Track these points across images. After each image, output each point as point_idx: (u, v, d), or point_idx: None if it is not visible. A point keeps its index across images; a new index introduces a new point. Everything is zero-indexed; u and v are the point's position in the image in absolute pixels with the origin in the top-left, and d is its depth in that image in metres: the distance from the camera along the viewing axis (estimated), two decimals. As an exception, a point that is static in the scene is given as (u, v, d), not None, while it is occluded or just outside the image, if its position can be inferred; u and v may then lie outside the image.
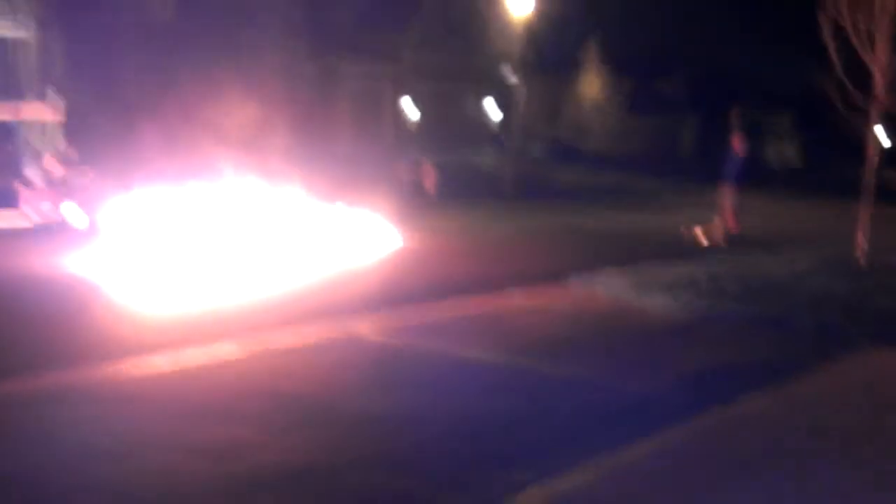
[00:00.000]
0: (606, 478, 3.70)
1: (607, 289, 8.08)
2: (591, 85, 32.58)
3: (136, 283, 7.61)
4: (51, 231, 11.47)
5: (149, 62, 11.11)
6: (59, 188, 12.14)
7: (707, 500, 3.51)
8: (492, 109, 34.61)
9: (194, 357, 5.44)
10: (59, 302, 7.07)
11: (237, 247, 9.05)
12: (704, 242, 12.94)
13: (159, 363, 5.29)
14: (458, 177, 23.22)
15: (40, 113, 13.99)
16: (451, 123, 32.33)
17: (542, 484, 3.58)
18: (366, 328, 6.45)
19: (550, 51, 34.57)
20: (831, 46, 9.74)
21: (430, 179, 20.75)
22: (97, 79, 11.44)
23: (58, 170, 12.60)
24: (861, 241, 10.17)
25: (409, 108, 30.62)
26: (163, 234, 8.91)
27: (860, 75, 9.78)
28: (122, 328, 6.24)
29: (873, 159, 10.31)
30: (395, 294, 7.92)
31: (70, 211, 11.77)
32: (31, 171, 12.71)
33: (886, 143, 15.33)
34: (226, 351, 5.63)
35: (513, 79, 28.74)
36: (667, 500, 3.47)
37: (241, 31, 15.54)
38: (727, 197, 13.22)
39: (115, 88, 11.33)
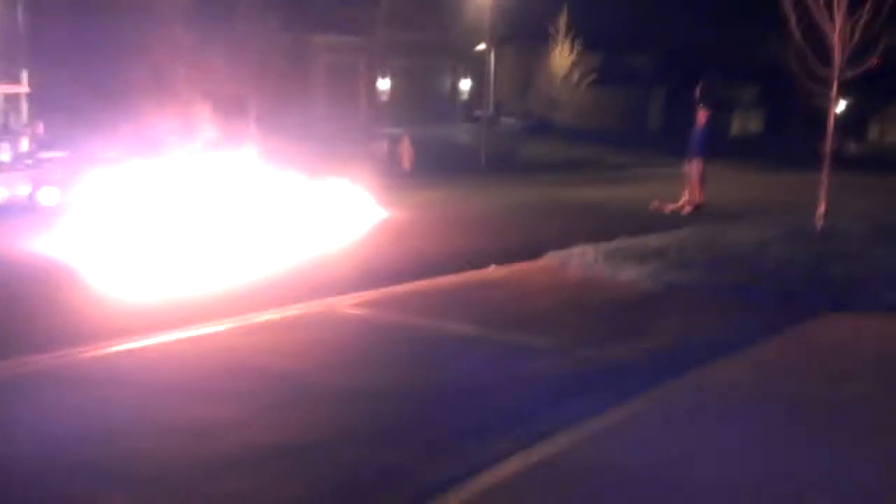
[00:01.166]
0: (582, 445, 3.90)
1: (580, 262, 8.29)
2: (562, 59, 32.70)
3: (111, 264, 7.60)
4: (22, 210, 11.35)
5: (118, 37, 11.02)
6: (29, 166, 12.03)
7: (678, 465, 3.72)
8: (464, 84, 34.65)
9: (174, 337, 5.48)
10: (34, 284, 7.07)
11: (214, 225, 9.06)
12: (670, 211, 13.34)
13: (139, 345, 5.31)
14: (433, 151, 23.35)
15: (7, 90, 13.83)
16: (425, 98, 32.35)
17: (520, 452, 3.76)
18: (346, 303, 6.59)
19: (521, 24, 34.60)
20: (792, 18, 10.02)
21: (406, 154, 20.88)
22: (66, 55, 11.33)
23: (28, 147, 12.49)
24: (821, 209, 10.56)
25: (383, 83, 30.56)
26: (138, 213, 8.90)
27: (820, 46, 10.09)
28: (98, 310, 6.27)
29: (832, 129, 10.69)
30: (373, 269, 8.10)
31: (41, 189, 11.70)
32: None
33: (840, 107, 15.76)
34: (206, 330, 5.69)
35: (483, 50, 28.79)
36: (641, 465, 3.67)
37: (213, 3, 15.41)
38: (694, 169, 13.61)
39: (84, 64, 11.23)
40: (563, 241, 9.09)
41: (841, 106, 15.92)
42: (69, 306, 6.44)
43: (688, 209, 13.44)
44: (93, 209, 9.15)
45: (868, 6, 9.54)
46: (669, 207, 13.66)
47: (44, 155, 12.23)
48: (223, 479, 3.52)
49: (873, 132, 63.75)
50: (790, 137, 44.14)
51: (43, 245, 8.48)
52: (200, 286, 7.14)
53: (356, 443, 3.92)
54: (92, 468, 3.59)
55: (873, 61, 10.00)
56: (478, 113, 30.42)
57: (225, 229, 9.05)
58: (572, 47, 32.26)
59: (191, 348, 5.34)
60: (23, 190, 11.69)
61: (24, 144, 12.55)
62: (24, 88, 13.59)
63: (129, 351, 5.25)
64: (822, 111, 10.71)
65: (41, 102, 13.14)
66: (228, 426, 4.06)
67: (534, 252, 8.84)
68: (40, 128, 12.87)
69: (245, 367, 4.97)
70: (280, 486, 3.47)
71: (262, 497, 3.40)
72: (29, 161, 12.13)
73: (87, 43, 10.99)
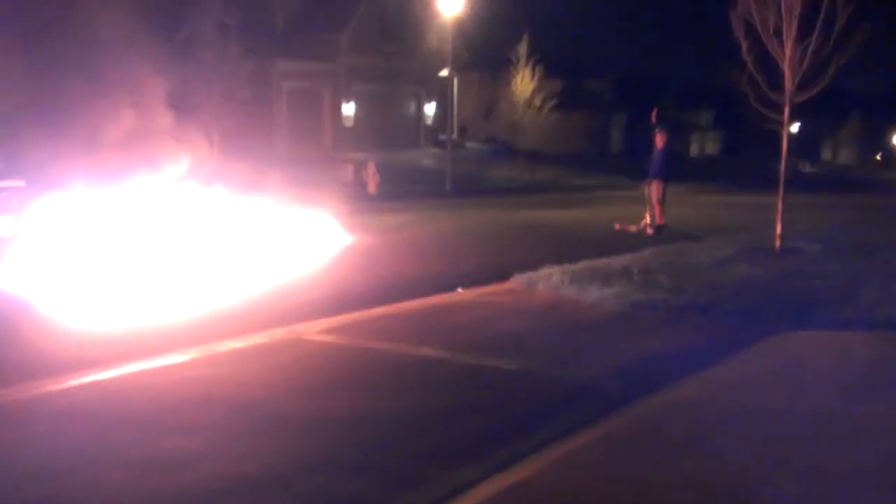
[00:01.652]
0: (551, 469, 3.90)
1: (546, 284, 8.38)
2: (524, 84, 33.19)
3: (70, 295, 7.41)
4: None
5: (75, 65, 10.87)
6: None
7: (642, 484, 3.74)
8: (429, 109, 34.93)
9: (137, 369, 5.38)
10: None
11: (176, 253, 8.93)
12: (635, 232, 13.55)
13: (101, 377, 5.19)
14: (399, 176, 23.43)
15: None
16: (389, 123, 32.53)
17: (487, 480, 3.74)
18: (312, 329, 6.54)
19: (483, 50, 35.09)
20: (743, 45, 10.36)
21: (371, 179, 20.93)
22: (19, 83, 11.12)
23: None
24: (778, 228, 10.84)
25: (348, 109, 30.65)
26: (97, 243, 8.75)
27: (772, 71, 10.43)
28: (58, 342, 6.10)
29: (786, 151, 11.01)
30: (339, 294, 8.06)
31: None
32: None
33: (794, 128, 16.24)
34: (169, 361, 5.59)
35: (447, 76, 29.10)
36: (611, 489, 3.70)
37: (173, 31, 15.31)
38: (654, 190, 13.89)
39: (40, 93, 11.04)
40: (529, 264, 9.17)
41: (794, 128, 16.40)
42: (27, 339, 6.27)
43: (650, 230, 13.68)
44: (50, 239, 8.96)
45: (816, 33, 9.91)
46: (633, 228, 13.89)
47: None
48: (188, 512, 3.46)
49: (826, 153, 65.71)
50: (746, 159, 45.34)
51: (-1, 276, 8.28)
52: (162, 316, 7.01)
53: (323, 472, 3.88)
54: (52, 503, 3.49)
55: (820, 86, 10.37)
56: (442, 137, 30.65)
57: (187, 258, 8.92)
58: (533, 73, 32.77)
59: (154, 380, 5.25)
60: None
61: None
62: None
63: (91, 384, 5.13)
64: (777, 134, 11.04)
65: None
66: (194, 458, 3.98)
67: (500, 275, 8.89)
68: (-5, 157, 12.60)
69: (210, 397, 4.90)
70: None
71: (228, 529, 3.34)
72: None
73: (42, 71, 10.81)
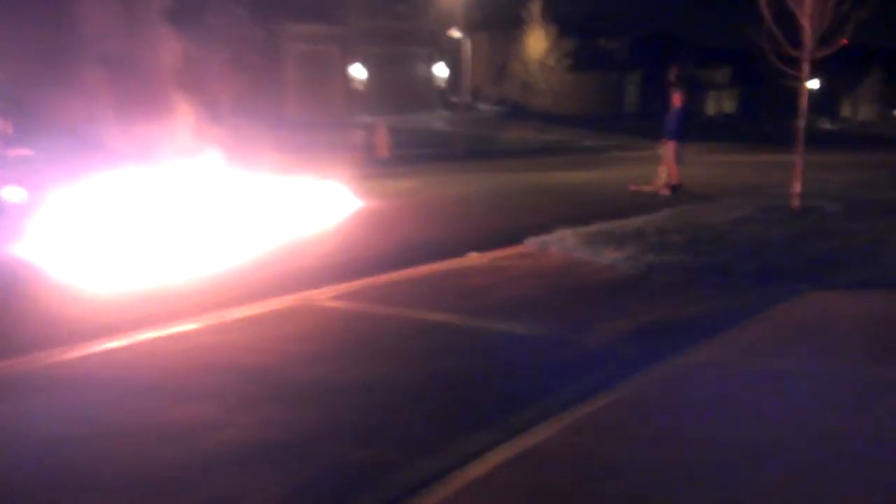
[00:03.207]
0: (570, 432, 3.87)
1: (560, 246, 8.30)
2: (536, 44, 32.69)
3: (82, 264, 7.43)
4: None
5: (87, 33, 10.78)
6: None
7: (663, 448, 3.70)
8: (440, 71, 34.51)
9: (150, 336, 5.37)
10: (2, 286, 6.89)
11: (188, 222, 8.92)
12: (649, 193, 13.39)
13: (114, 345, 5.19)
14: (410, 138, 23.25)
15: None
16: (400, 86, 32.19)
17: (505, 443, 3.71)
18: (324, 295, 6.50)
19: (495, 10, 34.50)
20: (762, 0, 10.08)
21: (382, 142, 20.76)
22: (33, 52, 11.07)
23: None
24: (797, 188, 10.66)
25: (358, 71, 30.33)
26: (109, 212, 8.74)
27: (790, 27, 10.16)
28: (71, 312, 6.11)
29: (805, 109, 10.77)
30: (351, 259, 8.02)
31: (7, 188, 11.45)
32: None
33: (813, 85, 15.92)
34: (181, 328, 5.57)
35: (459, 37, 28.68)
36: (628, 453, 3.66)
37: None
38: (669, 150, 13.67)
39: (52, 61, 11.00)
40: (542, 226, 9.07)
41: (813, 85, 16.01)
42: (39, 307, 6.30)
43: (665, 191, 13.50)
44: (62, 208, 8.96)
45: (837, -13, 9.62)
46: (648, 189, 13.72)
47: (11, 153, 11.97)
48: (204, 479, 3.44)
49: (846, 110, 64.60)
50: (764, 117, 44.65)
51: (10, 245, 8.30)
52: (173, 283, 7.01)
53: (338, 438, 3.86)
54: (68, 472, 3.50)
55: (842, 42, 10.09)
56: (454, 99, 30.32)
57: (198, 225, 8.91)
58: (546, 33, 32.24)
59: (167, 347, 5.24)
60: None
61: None
62: None
63: (104, 351, 5.13)
64: (795, 91, 10.79)
65: (8, 101, 12.86)
66: (207, 426, 3.97)
67: (513, 238, 8.80)
68: (9, 127, 12.59)
69: (223, 364, 4.88)
70: (262, 485, 3.41)
71: (245, 496, 3.33)
72: None
73: (56, 39, 10.73)
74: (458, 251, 8.31)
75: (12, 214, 10.02)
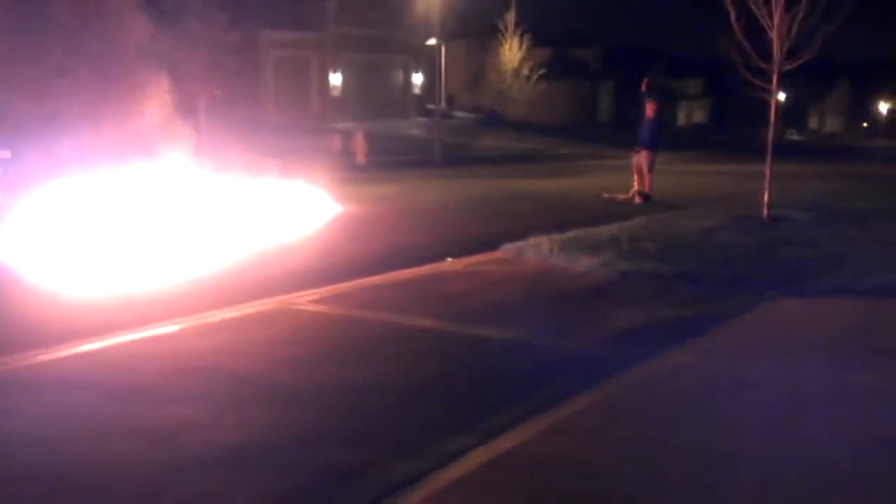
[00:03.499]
0: (547, 435, 3.95)
1: (536, 253, 8.40)
2: (511, 54, 32.96)
3: (60, 266, 7.38)
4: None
5: (62, 35, 10.69)
6: None
7: (637, 452, 3.80)
8: (417, 78, 34.64)
9: (129, 339, 5.37)
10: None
11: (166, 225, 8.89)
12: (622, 201, 13.59)
13: (93, 347, 5.18)
14: (387, 145, 23.30)
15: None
16: (377, 92, 32.27)
17: (485, 446, 3.79)
18: (304, 299, 6.53)
19: (471, 20, 34.77)
20: (732, 13, 10.32)
21: (359, 149, 20.80)
22: (6, 54, 10.94)
23: None
24: (766, 197, 10.90)
25: (336, 78, 30.34)
26: (86, 214, 8.69)
27: (760, 40, 10.41)
28: (48, 314, 6.08)
29: (774, 120, 11.04)
30: (331, 264, 8.06)
31: None
32: None
33: (783, 97, 16.31)
34: (161, 331, 5.58)
35: (434, 44, 28.85)
36: (604, 455, 3.75)
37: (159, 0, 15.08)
38: (642, 160, 13.91)
39: (26, 63, 10.87)
40: (518, 233, 9.18)
41: (782, 96, 16.37)
42: (17, 309, 6.26)
43: (638, 199, 13.72)
44: (38, 210, 8.88)
45: (803, 2, 9.88)
46: (621, 197, 13.93)
47: None
48: (185, 481, 3.46)
49: (813, 121, 65.80)
50: (734, 128, 45.39)
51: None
52: (153, 286, 7.00)
53: (320, 441, 3.91)
54: (45, 475, 3.50)
55: (809, 55, 10.37)
56: (430, 106, 30.44)
57: (178, 229, 8.88)
58: (521, 42, 32.54)
59: (146, 349, 5.24)
60: None
61: None
62: None
63: (84, 353, 5.12)
64: (765, 102, 11.05)
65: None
66: (188, 428, 3.99)
67: (489, 244, 8.91)
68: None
69: (203, 367, 4.90)
70: (243, 487, 3.45)
71: (229, 497, 3.37)
72: None
73: (28, 43, 10.62)
74: (437, 257, 8.40)
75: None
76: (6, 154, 11.73)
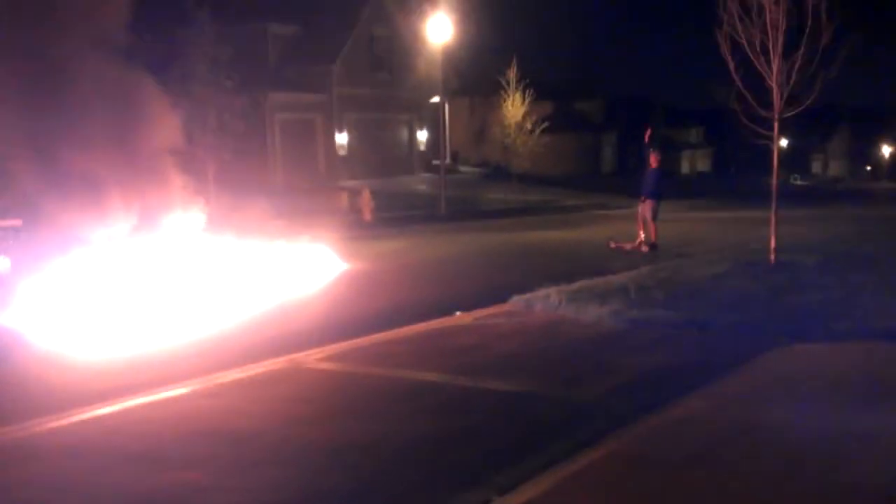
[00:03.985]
0: (557, 491, 3.89)
1: (545, 304, 8.38)
2: (514, 109, 33.48)
3: (67, 332, 7.39)
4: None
5: (73, 102, 10.93)
6: None
7: (649, 501, 3.74)
8: (421, 135, 35.16)
9: (138, 403, 5.38)
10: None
11: (172, 288, 8.92)
12: (629, 250, 13.62)
13: (102, 412, 5.18)
14: (393, 201, 23.51)
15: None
16: (382, 150, 32.72)
17: (496, 501, 3.76)
18: (312, 357, 6.53)
19: (472, 76, 35.49)
20: (730, 63, 10.49)
21: (366, 206, 20.99)
22: (16, 122, 11.17)
23: None
24: (773, 242, 10.90)
25: (341, 138, 30.83)
26: (93, 280, 8.74)
27: (760, 88, 10.55)
28: (59, 379, 6.10)
29: (777, 166, 11.11)
30: (339, 321, 8.05)
31: None
32: None
33: (784, 143, 16.43)
34: (170, 393, 5.59)
35: (438, 104, 29.37)
36: None
37: (166, 67, 15.49)
38: (647, 209, 13.98)
39: (37, 131, 11.08)
40: (527, 285, 9.19)
41: (784, 142, 16.50)
42: (26, 376, 6.26)
43: (644, 248, 13.75)
44: (47, 278, 8.95)
45: (802, 50, 10.04)
46: (627, 247, 13.96)
47: None
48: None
49: (816, 165, 66.12)
50: (737, 174, 45.67)
51: (-4, 314, 8.25)
52: (161, 349, 7.00)
53: (328, 501, 3.87)
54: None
55: (810, 101, 10.48)
56: (435, 162, 30.82)
57: (184, 291, 8.92)
58: (524, 97, 33.09)
59: (155, 413, 5.23)
60: None
61: None
62: None
63: (92, 419, 5.11)
64: (767, 148, 11.14)
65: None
66: (198, 492, 3.96)
67: (498, 297, 8.91)
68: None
69: (212, 429, 4.88)
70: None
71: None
72: None
73: (40, 109, 10.85)
74: (445, 311, 8.39)
75: (-2, 284, 9.98)
76: (17, 222, 11.88)
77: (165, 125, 11.75)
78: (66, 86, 10.51)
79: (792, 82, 10.31)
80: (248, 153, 23.58)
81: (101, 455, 4.49)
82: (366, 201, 21.09)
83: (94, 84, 10.65)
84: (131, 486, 4.05)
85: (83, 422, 5.07)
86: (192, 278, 9.37)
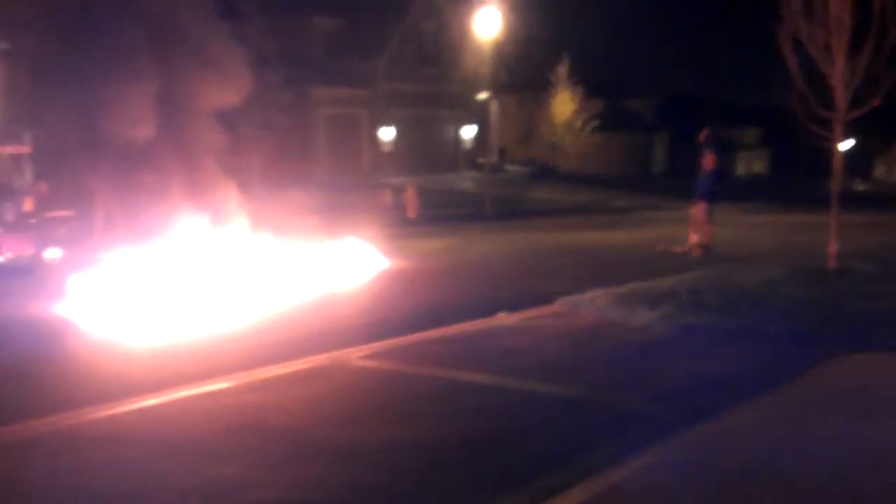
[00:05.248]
0: (603, 497, 3.79)
1: (591, 307, 8.23)
2: (564, 106, 33.13)
3: (118, 324, 7.54)
4: (26, 269, 11.34)
5: (124, 96, 11.10)
6: (33, 226, 12.03)
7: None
8: (468, 132, 35.03)
9: (183, 395, 5.43)
10: (41, 344, 6.99)
11: (221, 282, 9.00)
12: (680, 253, 13.29)
13: (148, 403, 5.25)
14: (438, 200, 23.47)
15: (10, 151, 13.94)
16: (428, 147, 32.68)
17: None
18: (355, 354, 6.52)
19: (522, 73, 35.19)
20: (792, 61, 10.11)
21: (410, 203, 20.96)
22: (70, 115, 11.40)
23: (31, 206, 12.51)
24: (832, 248, 10.50)
25: (386, 133, 30.88)
26: (144, 272, 8.87)
27: (821, 88, 10.16)
28: (108, 369, 6.21)
29: (839, 170, 10.70)
30: (382, 319, 8.02)
31: (46, 249, 11.69)
32: (1, 208, 12.57)
33: (847, 146, 15.83)
34: (214, 387, 5.62)
35: (486, 99, 29.19)
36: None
37: (218, 60, 15.67)
38: (701, 211, 13.62)
39: (89, 123, 11.30)
40: (573, 286, 9.02)
41: (846, 145, 15.92)
42: (77, 366, 6.38)
43: (697, 251, 13.40)
44: (99, 268, 9.13)
45: (868, 48, 9.62)
46: (678, 249, 13.62)
47: (48, 214, 12.26)
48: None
49: (879, 170, 64.07)
50: (796, 178, 44.42)
51: (49, 304, 8.46)
52: (207, 343, 7.08)
53: (370, 499, 3.83)
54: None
55: (875, 103, 10.05)
56: (481, 160, 30.69)
57: (231, 286, 9.00)
58: (573, 94, 32.70)
59: (199, 406, 5.27)
60: (27, 249, 11.69)
61: (28, 204, 12.56)
62: (26, 149, 13.72)
63: (138, 409, 5.18)
64: (828, 151, 10.74)
65: (45, 162, 13.23)
66: (240, 485, 3.96)
67: (544, 298, 8.76)
68: (44, 187, 12.91)
69: (255, 424, 4.89)
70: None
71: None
72: (33, 220, 12.15)
73: (93, 103, 11.05)
74: (489, 311, 8.28)
75: (51, 274, 10.22)
76: (69, 213, 12.16)
77: (214, 123, 11.86)
78: (114, 81, 10.67)
79: (856, 82, 9.91)
80: (293, 148, 23.78)
81: (144, 445, 4.54)
82: (410, 198, 21.06)
83: (140, 78, 10.77)
84: (177, 477, 4.08)
85: (129, 412, 5.13)
86: (239, 273, 9.44)
